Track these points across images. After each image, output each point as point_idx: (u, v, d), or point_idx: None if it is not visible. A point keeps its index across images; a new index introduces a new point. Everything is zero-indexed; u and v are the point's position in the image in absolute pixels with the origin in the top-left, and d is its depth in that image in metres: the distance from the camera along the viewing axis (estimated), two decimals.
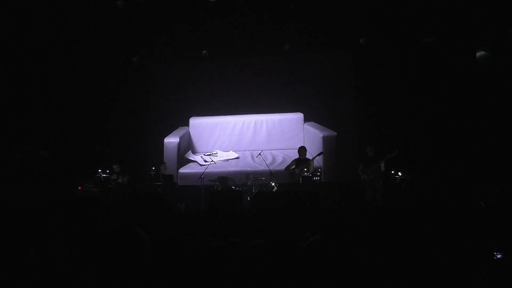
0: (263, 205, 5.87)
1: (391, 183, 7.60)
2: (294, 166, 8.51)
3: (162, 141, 10.75)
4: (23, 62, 8.76)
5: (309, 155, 8.77)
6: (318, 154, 8.63)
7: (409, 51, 9.39)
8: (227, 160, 10.44)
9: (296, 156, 8.71)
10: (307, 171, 8.22)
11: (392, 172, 7.75)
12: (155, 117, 11.05)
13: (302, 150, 8.59)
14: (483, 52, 7.97)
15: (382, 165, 7.82)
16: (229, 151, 10.56)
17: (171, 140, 10.74)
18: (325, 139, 10.05)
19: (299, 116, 10.41)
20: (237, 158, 10.45)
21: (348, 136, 9.96)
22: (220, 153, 10.52)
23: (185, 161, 10.63)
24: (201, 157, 10.53)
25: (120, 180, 8.86)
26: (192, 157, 10.64)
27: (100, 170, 8.65)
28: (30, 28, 8.40)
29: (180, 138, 10.72)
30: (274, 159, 10.17)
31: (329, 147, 9.87)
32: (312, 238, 1.82)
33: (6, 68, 8.57)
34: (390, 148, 7.98)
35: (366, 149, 8.24)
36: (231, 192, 7.37)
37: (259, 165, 9.78)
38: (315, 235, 1.86)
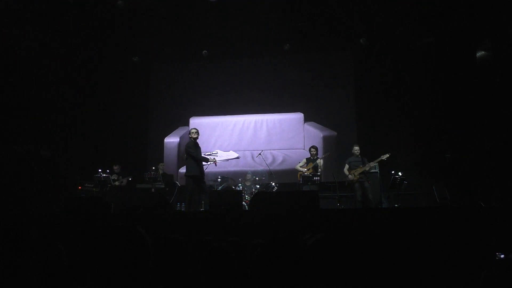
0: (263, 205, 5.86)
1: (391, 183, 7.57)
2: (302, 164, 8.44)
3: (162, 141, 10.75)
4: (23, 62, 8.75)
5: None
6: (326, 155, 8.61)
7: (409, 51, 9.39)
8: (227, 160, 10.43)
9: (296, 156, 8.67)
10: (315, 171, 8.17)
11: (392, 172, 7.73)
12: (155, 117, 11.04)
13: (311, 149, 8.45)
14: (483, 52, 7.95)
15: (375, 165, 7.81)
16: (229, 151, 10.56)
17: (171, 140, 10.74)
18: (325, 139, 10.04)
19: (299, 116, 10.40)
20: (237, 158, 10.45)
21: (348, 136, 9.95)
22: (220, 153, 10.51)
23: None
24: None
25: (117, 183, 8.83)
26: None
27: (100, 170, 8.64)
28: (31, 28, 8.39)
29: (180, 138, 10.72)
30: (274, 159, 10.17)
31: (329, 147, 9.87)
32: (313, 238, 1.81)
33: (6, 68, 8.56)
34: (384, 149, 7.99)
35: (352, 148, 8.17)
36: (231, 192, 7.35)
37: (259, 165, 9.77)
38: (316, 234, 1.86)
